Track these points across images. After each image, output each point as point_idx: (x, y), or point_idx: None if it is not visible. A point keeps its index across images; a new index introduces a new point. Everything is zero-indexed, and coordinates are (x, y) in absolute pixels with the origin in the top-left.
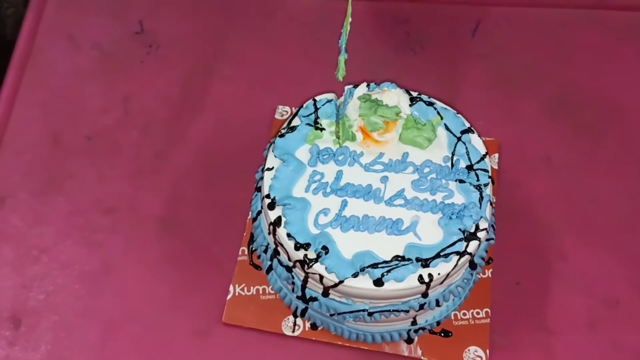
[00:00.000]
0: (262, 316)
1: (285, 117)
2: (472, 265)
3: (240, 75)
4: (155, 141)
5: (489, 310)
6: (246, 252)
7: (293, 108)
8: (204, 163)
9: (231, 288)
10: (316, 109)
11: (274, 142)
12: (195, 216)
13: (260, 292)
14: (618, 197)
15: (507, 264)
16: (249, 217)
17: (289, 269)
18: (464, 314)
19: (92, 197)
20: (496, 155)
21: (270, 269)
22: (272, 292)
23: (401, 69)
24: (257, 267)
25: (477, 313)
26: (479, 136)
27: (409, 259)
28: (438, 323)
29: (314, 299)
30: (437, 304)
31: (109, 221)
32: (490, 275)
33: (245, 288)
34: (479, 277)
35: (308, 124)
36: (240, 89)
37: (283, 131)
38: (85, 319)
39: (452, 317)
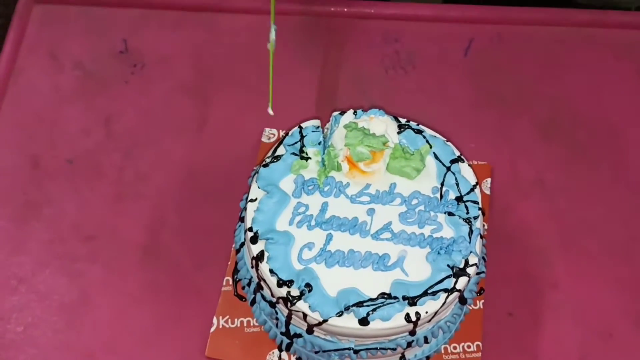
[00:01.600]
0: (247, 350)
1: (272, 140)
2: (462, 300)
3: (227, 96)
4: (137, 164)
5: (480, 344)
6: (230, 282)
7: (280, 131)
8: (187, 187)
9: (215, 320)
10: (302, 137)
11: (257, 172)
12: (178, 243)
13: (245, 324)
14: (612, 223)
15: (499, 294)
16: (234, 244)
17: (272, 305)
18: (455, 348)
19: (71, 224)
20: (488, 179)
21: (254, 301)
22: (257, 324)
23: (391, 89)
24: (242, 298)
25: (468, 347)
26: (469, 165)
27: (395, 297)
28: (427, 358)
29: (299, 336)
30: (426, 340)
31: (89, 249)
32: (481, 307)
33: (230, 320)
34: (470, 308)
35: (293, 153)
36: (226, 110)
37: (267, 160)
38: (64, 353)
39: (442, 351)
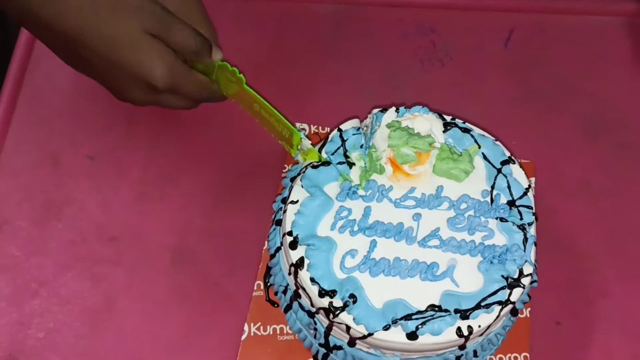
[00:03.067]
0: (280, 359)
1: None
2: (514, 312)
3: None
4: (162, 163)
5: (527, 355)
6: (262, 287)
7: (311, 126)
8: (214, 186)
9: (246, 327)
10: (343, 142)
11: (304, 173)
12: (205, 246)
13: (278, 331)
14: None
15: (546, 302)
16: (264, 247)
17: (311, 314)
18: (500, 359)
19: (94, 225)
20: (532, 179)
21: (289, 307)
22: (291, 332)
23: (427, 82)
24: (274, 304)
25: (515, 358)
26: (520, 167)
27: (446, 310)
28: None
29: (339, 348)
30: (475, 354)
31: (112, 251)
32: (528, 315)
33: (262, 327)
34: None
35: (340, 163)
36: None
37: (316, 164)
38: None
39: None
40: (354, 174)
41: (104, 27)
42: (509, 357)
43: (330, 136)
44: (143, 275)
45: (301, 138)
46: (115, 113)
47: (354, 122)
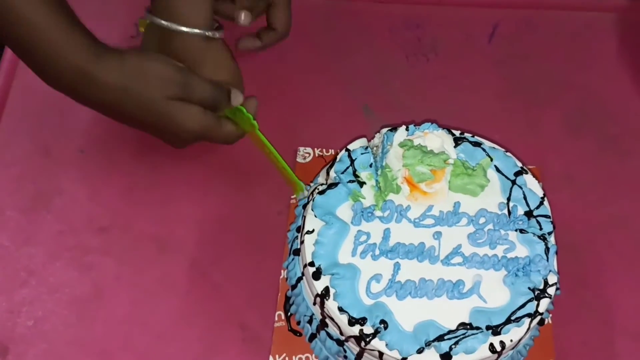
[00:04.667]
0: None
1: (307, 159)
2: (541, 322)
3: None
4: (151, 155)
5: None
6: (282, 317)
7: (315, 149)
8: (202, 177)
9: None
10: (352, 161)
11: (313, 200)
12: (193, 235)
13: None
14: None
15: None
16: (281, 276)
17: (340, 342)
18: None
19: (83, 215)
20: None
21: (314, 336)
22: None
23: (413, 77)
24: (297, 333)
25: None
26: (533, 176)
27: (477, 327)
28: None
29: None
30: None
31: (102, 241)
32: (550, 322)
33: (287, 358)
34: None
35: (350, 181)
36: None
37: (322, 188)
38: (76, 348)
39: None
40: (366, 193)
41: (137, 100)
42: None
43: (338, 156)
44: (131, 265)
45: (304, 189)
46: None
47: (362, 142)
